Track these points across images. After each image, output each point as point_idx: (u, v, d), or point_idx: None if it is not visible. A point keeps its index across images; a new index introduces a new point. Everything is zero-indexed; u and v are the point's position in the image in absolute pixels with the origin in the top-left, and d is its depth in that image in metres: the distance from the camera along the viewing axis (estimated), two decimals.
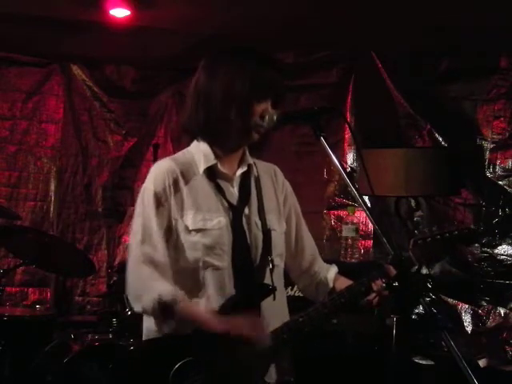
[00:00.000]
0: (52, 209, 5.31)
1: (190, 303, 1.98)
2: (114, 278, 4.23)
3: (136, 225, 2.05)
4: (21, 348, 3.62)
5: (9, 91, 5.21)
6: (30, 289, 5.22)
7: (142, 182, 2.09)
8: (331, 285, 2.20)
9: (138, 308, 2.01)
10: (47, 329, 3.83)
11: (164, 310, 1.94)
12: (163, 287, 1.95)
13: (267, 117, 1.98)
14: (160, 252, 2.00)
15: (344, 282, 2.15)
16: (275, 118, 1.97)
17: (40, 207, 5.29)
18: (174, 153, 2.16)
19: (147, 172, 2.10)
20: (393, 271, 1.85)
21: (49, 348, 3.59)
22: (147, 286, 1.97)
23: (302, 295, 2.39)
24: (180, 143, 5.25)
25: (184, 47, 4.76)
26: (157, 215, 2.00)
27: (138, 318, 3.57)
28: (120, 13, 4.14)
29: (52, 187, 5.33)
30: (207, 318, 1.95)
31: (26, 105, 5.26)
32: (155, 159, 4.32)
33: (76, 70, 5.38)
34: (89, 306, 5.32)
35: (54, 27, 4.43)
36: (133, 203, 5.51)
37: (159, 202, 2.01)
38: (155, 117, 5.57)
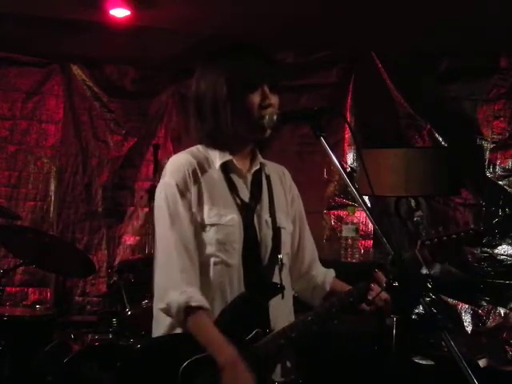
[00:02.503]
0: (52, 209, 5.30)
1: (210, 320, 1.92)
2: (114, 278, 4.21)
3: (161, 216, 2.01)
4: (21, 348, 3.61)
5: (9, 91, 5.21)
6: (30, 289, 5.21)
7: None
8: (328, 289, 2.20)
9: (161, 305, 1.95)
10: (47, 329, 3.82)
11: (187, 315, 1.89)
12: (194, 292, 1.91)
13: (267, 117, 1.98)
14: (190, 238, 1.97)
15: (341, 286, 2.15)
16: (275, 117, 1.96)
17: (40, 207, 5.28)
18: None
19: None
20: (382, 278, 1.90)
21: (49, 348, 3.59)
22: (177, 279, 1.93)
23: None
24: (180, 143, 5.25)
25: (184, 47, 4.76)
26: (183, 204, 1.98)
27: (137, 318, 3.59)
28: (120, 13, 4.14)
29: (52, 187, 5.32)
30: (219, 347, 1.89)
31: (26, 105, 5.26)
32: (155, 159, 4.31)
33: (76, 69, 5.38)
34: (89, 306, 5.31)
35: (54, 27, 4.43)
36: (133, 203, 5.53)
37: (182, 192, 1.99)
38: (155, 117, 5.56)
